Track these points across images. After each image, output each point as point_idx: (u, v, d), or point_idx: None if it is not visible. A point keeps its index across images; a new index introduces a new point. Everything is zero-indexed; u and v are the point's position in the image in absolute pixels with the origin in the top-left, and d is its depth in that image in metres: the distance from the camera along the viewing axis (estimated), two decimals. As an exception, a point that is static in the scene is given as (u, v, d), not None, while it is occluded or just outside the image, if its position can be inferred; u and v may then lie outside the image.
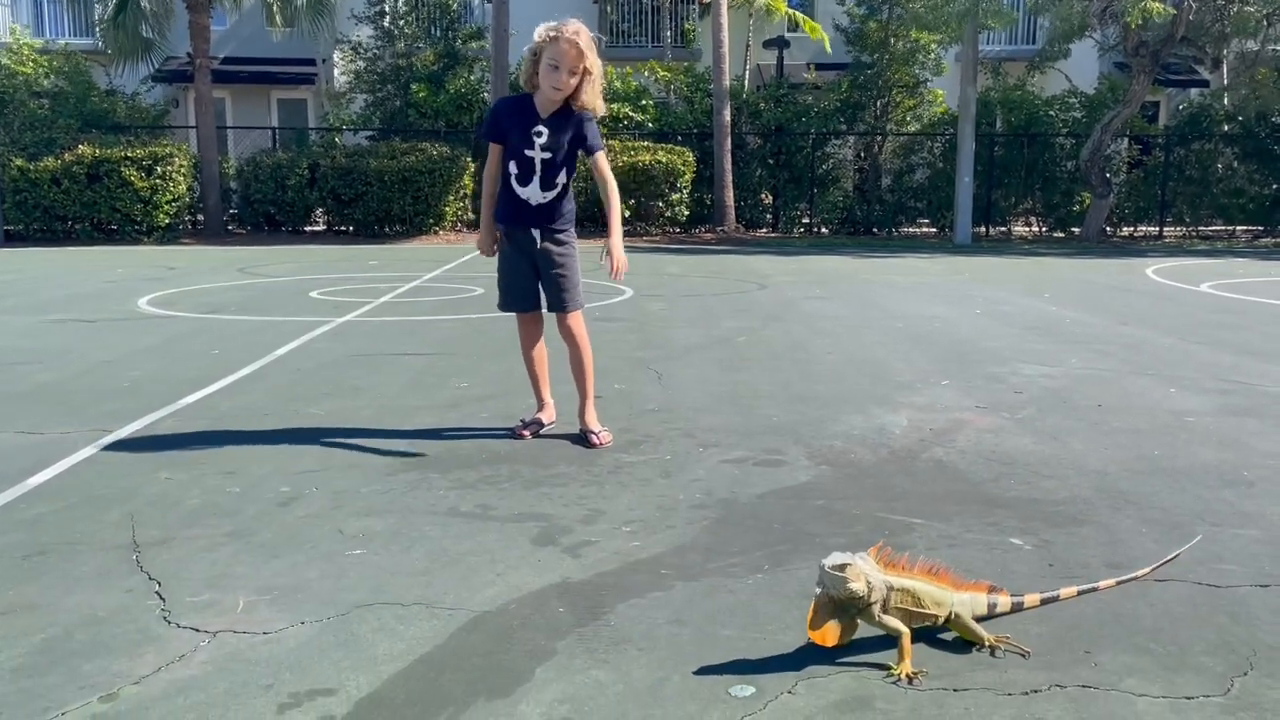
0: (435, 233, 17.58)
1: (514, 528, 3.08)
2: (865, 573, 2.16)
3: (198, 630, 2.36)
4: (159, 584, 2.63)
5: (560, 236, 4.05)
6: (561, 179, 3.98)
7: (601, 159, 4.01)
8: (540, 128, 3.90)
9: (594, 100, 3.89)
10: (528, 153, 3.92)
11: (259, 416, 4.50)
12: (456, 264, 12.99)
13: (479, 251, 4.27)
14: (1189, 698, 2.08)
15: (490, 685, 2.12)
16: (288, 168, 17.40)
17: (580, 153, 4.02)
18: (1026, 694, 2.09)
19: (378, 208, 17.29)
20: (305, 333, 6.88)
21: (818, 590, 2.17)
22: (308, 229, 18.24)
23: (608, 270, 3.93)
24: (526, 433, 4.21)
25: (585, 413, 4.18)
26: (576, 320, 4.09)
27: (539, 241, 4.02)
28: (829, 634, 2.18)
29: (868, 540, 2.94)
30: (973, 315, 8.08)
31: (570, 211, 4.09)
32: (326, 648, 2.28)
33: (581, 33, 3.77)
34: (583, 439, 4.12)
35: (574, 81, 3.81)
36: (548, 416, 4.30)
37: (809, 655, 2.23)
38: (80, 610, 2.47)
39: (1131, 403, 4.87)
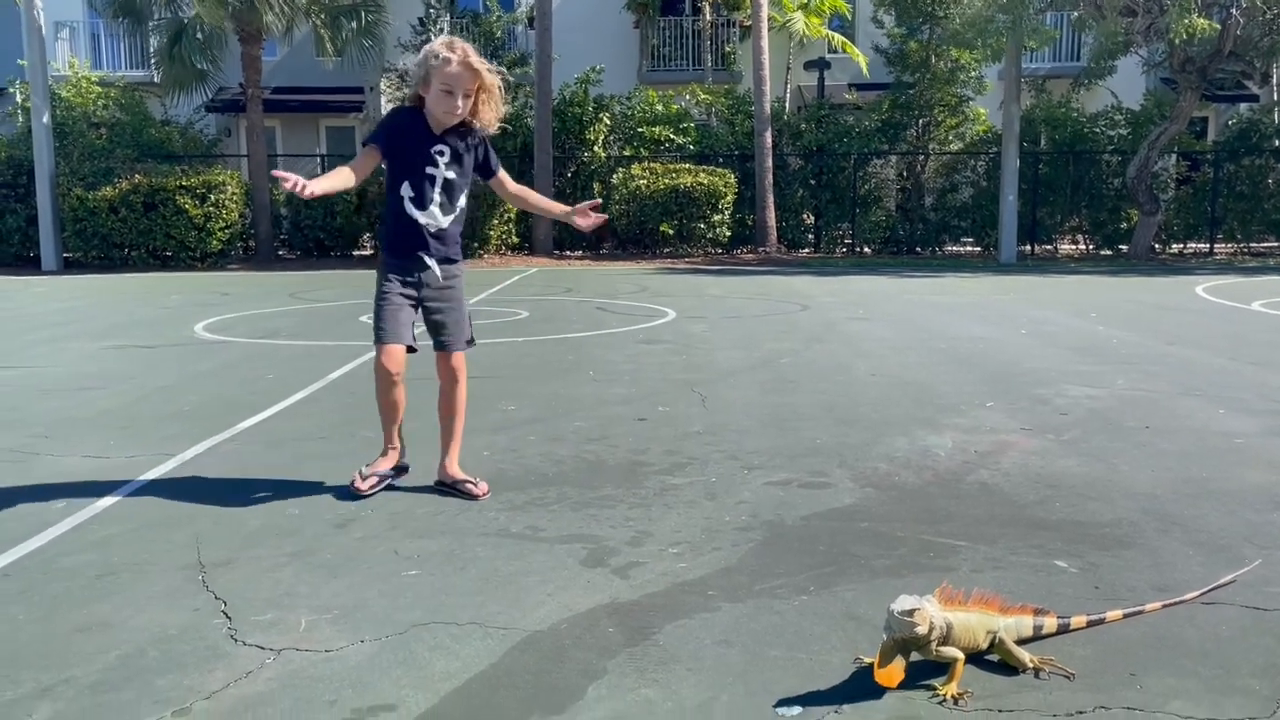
0: (480, 256, 17.81)
1: (563, 549, 3.15)
2: (931, 615, 2.20)
3: (263, 648, 2.46)
4: (225, 603, 2.74)
5: (454, 269, 3.79)
6: (462, 202, 3.74)
7: (505, 176, 3.85)
8: (442, 146, 3.61)
9: (493, 117, 3.62)
10: (430, 171, 3.61)
11: (315, 439, 4.63)
12: (501, 287, 13.16)
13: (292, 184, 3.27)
14: (1235, 721, 2.09)
15: (544, 703, 2.19)
16: (337, 194, 17.75)
17: (478, 178, 3.81)
18: (1071, 715, 2.11)
19: (423, 232, 17.54)
20: (356, 357, 7.04)
21: (884, 635, 2.20)
22: (356, 254, 18.59)
23: (583, 223, 3.84)
24: (366, 485, 3.70)
25: (453, 461, 3.82)
26: (462, 360, 3.83)
27: (434, 271, 3.72)
28: (895, 675, 2.21)
29: (912, 562, 2.98)
30: (1018, 336, 8.05)
31: (461, 239, 3.85)
32: (386, 666, 2.37)
33: (470, 53, 3.50)
34: (455, 491, 3.72)
35: (468, 104, 3.55)
36: (405, 458, 3.92)
37: (854, 676, 2.28)
38: (151, 628, 2.58)
39: (1179, 424, 4.84)
